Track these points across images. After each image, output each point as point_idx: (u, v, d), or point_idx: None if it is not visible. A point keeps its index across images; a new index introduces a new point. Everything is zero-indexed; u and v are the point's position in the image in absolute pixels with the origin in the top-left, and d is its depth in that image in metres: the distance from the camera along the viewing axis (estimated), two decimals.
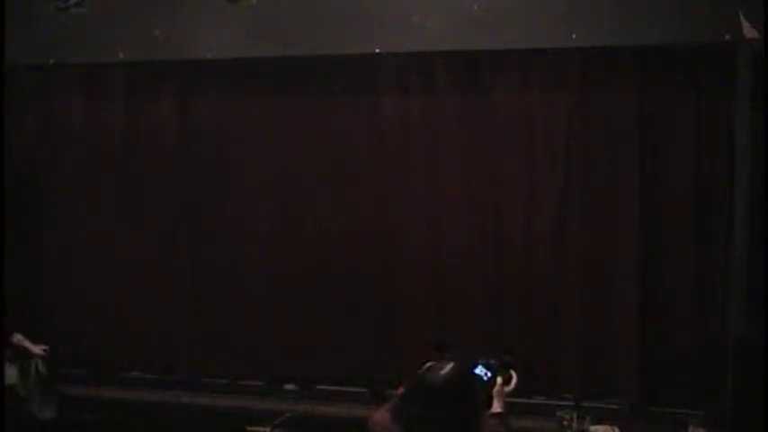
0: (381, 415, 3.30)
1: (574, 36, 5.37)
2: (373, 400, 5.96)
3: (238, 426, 5.63)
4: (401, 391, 3.37)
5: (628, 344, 5.65)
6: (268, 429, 5.56)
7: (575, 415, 5.09)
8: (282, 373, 6.31)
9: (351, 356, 6.08)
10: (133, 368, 6.53)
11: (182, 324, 6.38)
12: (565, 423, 5.00)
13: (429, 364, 3.24)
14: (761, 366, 4.77)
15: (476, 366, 3.44)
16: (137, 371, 6.53)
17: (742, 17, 5.03)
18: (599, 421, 5.12)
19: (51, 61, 6.22)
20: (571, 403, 5.64)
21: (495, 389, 3.57)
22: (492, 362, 3.54)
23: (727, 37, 5.11)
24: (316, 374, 6.25)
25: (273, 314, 6.24)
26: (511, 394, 3.62)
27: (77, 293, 6.49)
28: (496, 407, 3.56)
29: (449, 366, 3.22)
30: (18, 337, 5.67)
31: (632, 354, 5.64)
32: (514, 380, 3.64)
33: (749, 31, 5.03)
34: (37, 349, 5.69)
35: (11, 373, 5.54)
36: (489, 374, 3.52)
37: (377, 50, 5.68)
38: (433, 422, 3.17)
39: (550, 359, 5.82)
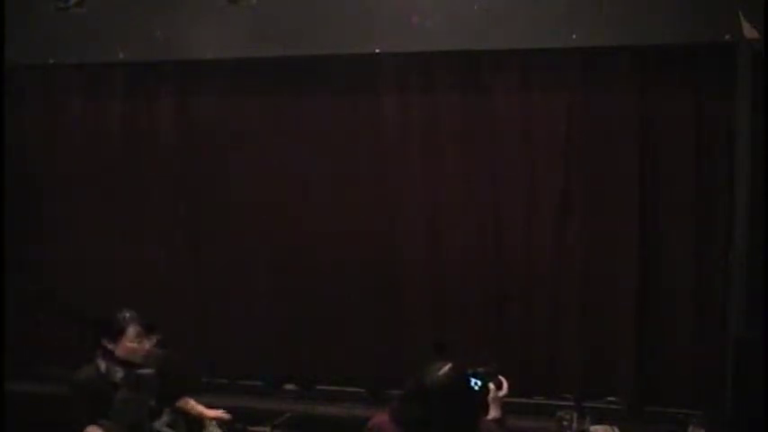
0: (380, 418, 3.32)
1: (574, 36, 5.37)
2: (373, 400, 5.98)
3: (238, 426, 5.62)
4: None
5: (628, 344, 5.65)
6: (268, 429, 5.55)
7: (575, 415, 5.10)
8: (282, 373, 6.31)
9: (351, 356, 6.08)
10: None
11: (182, 324, 6.38)
12: (565, 423, 5.00)
13: (428, 364, 3.25)
14: (761, 366, 4.77)
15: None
16: None
17: (742, 17, 5.03)
18: (599, 421, 5.13)
19: (51, 61, 6.22)
20: (571, 403, 5.64)
21: (490, 395, 3.61)
22: (480, 370, 3.60)
23: (727, 37, 5.11)
24: (316, 374, 6.25)
25: (273, 314, 6.24)
26: (507, 396, 3.66)
27: (77, 293, 6.48)
28: (494, 413, 3.60)
29: (447, 367, 3.23)
30: (191, 403, 5.04)
31: (632, 354, 5.64)
32: (505, 384, 3.69)
33: (749, 31, 5.03)
34: (215, 413, 5.07)
35: None
36: (480, 383, 3.58)
37: (377, 50, 5.68)
38: (433, 423, 3.18)
39: (550, 359, 5.82)
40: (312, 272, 6.15)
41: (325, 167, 6.08)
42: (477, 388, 3.57)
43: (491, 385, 3.65)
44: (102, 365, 4.52)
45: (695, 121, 5.48)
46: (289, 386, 6.31)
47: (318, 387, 6.27)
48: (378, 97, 5.98)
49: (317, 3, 5.75)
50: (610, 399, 5.75)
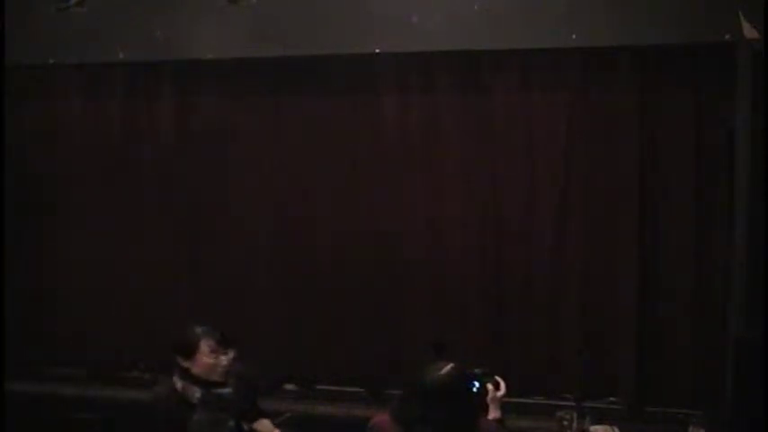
0: (380, 417, 3.32)
1: (574, 36, 5.37)
2: (373, 400, 5.98)
3: None
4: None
5: (628, 344, 5.65)
6: None
7: (575, 415, 5.09)
8: (282, 373, 6.31)
9: (351, 356, 6.08)
10: (133, 368, 6.52)
11: (181, 324, 6.36)
12: (565, 423, 4.99)
13: (428, 364, 3.25)
14: (761, 366, 4.77)
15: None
16: (137, 371, 6.52)
17: (742, 17, 5.03)
18: (599, 421, 5.12)
19: (51, 61, 6.22)
20: (571, 403, 5.64)
21: (489, 396, 3.63)
22: (476, 371, 3.62)
23: (727, 37, 5.12)
24: (316, 374, 6.25)
25: (273, 314, 6.23)
26: (506, 396, 3.67)
27: (77, 293, 6.49)
28: (494, 413, 3.62)
29: (447, 367, 3.24)
30: (263, 422, 4.66)
31: (632, 354, 5.64)
32: (502, 384, 3.71)
33: (749, 31, 5.03)
34: None
35: None
36: (478, 384, 3.60)
37: (377, 50, 5.68)
38: (433, 422, 3.18)
39: (550, 359, 5.82)
40: (312, 272, 6.15)
41: (325, 167, 6.08)
42: (474, 390, 3.58)
43: (489, 386, 3.67)
44: (179, 384, 4.26)
45: (695, 121, 5.48)
46: (289, 386, 6.31)
47: (318, 387, 6.26)
48: (378, 97, 5.97)
49: (316, 3, 5.76)
50: (610, 399, 5.75)
